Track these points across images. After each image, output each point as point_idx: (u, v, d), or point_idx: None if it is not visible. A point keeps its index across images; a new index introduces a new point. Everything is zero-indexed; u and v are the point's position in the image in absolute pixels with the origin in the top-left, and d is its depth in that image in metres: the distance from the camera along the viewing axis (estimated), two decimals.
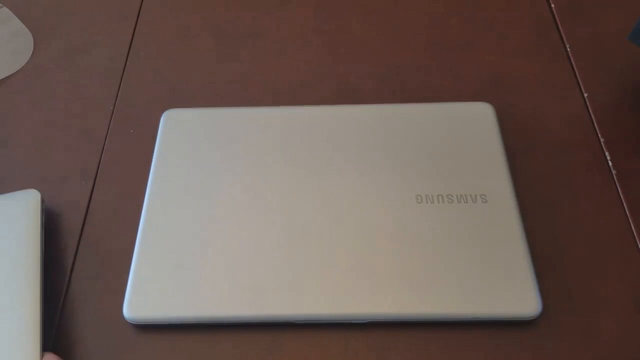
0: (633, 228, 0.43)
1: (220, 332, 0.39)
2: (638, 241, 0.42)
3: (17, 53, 0.55)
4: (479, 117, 0.46)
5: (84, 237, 0.44)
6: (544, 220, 0.43)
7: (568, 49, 0.53)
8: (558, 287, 0.40)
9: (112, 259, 0.43)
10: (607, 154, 0.46)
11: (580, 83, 0.51)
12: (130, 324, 0.39)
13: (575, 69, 0.52)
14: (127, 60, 0.54)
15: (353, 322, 0.39)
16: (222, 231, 0.42)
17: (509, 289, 0.38)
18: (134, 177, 0.46)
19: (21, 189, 0.44)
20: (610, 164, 0.46)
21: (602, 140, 0.47)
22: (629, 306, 0.39)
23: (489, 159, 0.44)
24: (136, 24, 0.57)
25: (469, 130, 0.46)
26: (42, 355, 0.35)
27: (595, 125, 0.48)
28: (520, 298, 0.38)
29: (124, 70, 0.54)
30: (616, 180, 0.45)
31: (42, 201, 0.42)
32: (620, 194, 0.44)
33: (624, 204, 0.44)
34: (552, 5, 0.56)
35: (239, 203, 0.43)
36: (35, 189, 0.43)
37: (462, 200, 0.42)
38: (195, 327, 0.40)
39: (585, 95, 0.50)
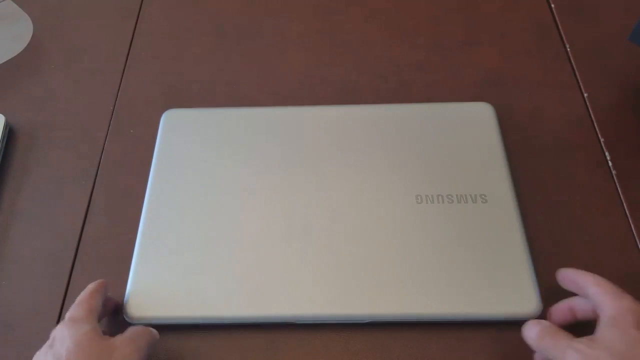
0: (633, 228, 0.43)
1: (220, 332, 0.39)
2: (638, 241, 0.42)
3: (17, 37, 0.55)
4: (478, 117, 0.46)
5: (84, 237, 0.44)
6: (544, 220, 0.43)
7: (568, 49, 0.53)
8: (558, 287, 0.40)
9: (112, 259, 0.43)
10: (607, 154, 0.46)
11: (580, 83, 0.51)
12: (130, 323, 0.39)
13: (575, 69, 0.52)
14: (127, 60, 0.54)
15: (353, 322, 0.39)
16: (223, 231, 0.42)
17: (510, 289, 0.38)
18: (134, 177, 0.46)
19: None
20: (610, 164, 0.46)
21: (602, 140, 0.47)
22: None
23: (489, 159, 0.44)
24: (136, 24, 0.57)
25: (469, 130, 0.46)
26: None
27: (595, 125, 0.48)
28: (520, 298, 0.38)
29: (124, 70, 0.54)
30: (616, 180, 0.45)
31: None
32: (620, 194, 0.44)
33: (624, 204, 0.44)
34: (552, 5, 0.56)
35: (239, 203, 0.43)
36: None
37: (462, 201, 0.42)
38: (195, 328, 0.39)
39: (585, 95, 0.50)
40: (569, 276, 0.37)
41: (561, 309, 0.37)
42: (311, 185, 0.43)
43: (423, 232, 0.41)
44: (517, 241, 0.40)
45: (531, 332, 0.35)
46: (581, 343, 0.32)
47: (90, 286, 0.37)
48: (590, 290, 0.35)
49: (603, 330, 0.32)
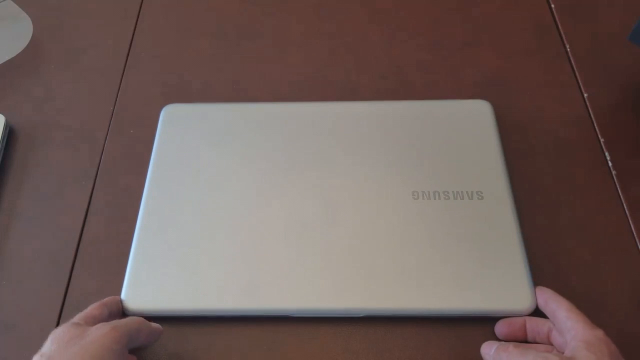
0: (633, 228, 0.43)
1: (218, 324, 0.39)
2: (638, 241, 0.42)
3: (17, 37, 0.55)
4: (476, 115, 0.47)
5: (84, 237, 0.44)
6: (543, 220, 0.43)
7: (568, 49, 0.53)
8: (557, 287, 0.40)
9: (112, 259, 0.43)
10: (607, 154, 0.46)
11: (580, 83, 0.51)
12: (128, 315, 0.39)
13: (575, 69, 0.52)
14: (127, 60, 0.54)
15: (349, 316, 0.39)
16: (221, 224, 0.42)
17: (504, 285, 0.39)
18: (134, 177, 0.46)
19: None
20: (610, 164, 0.46)
21: (602, 140, 0.47)
22: (629, 306, 0.39)
23: (486, 156, 0.44)
24: (136, 24, 0.57)
25: (466, 127, 0.46)
26: None
27: (595, 126, 0.48)
28: (514, 294, 0.38)
29: (124, 70, 0.54)
30: (616, 180, 0.45)
31: None
32: (620, 194, 0.44)
33: (624, 204, 0.44)
34: (552, 5, 0.56)
35: (237, 197, 0.43)
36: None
37: (458, 197, 0.42)
38: (192, 320, 0.40)
39: (585, 95, 0.50)
40: (544, 294, 0.37)
41: (516, 323, 0.37)
42: (309, 181, 0.43)
43: (419, 228, 0.41)
44: (513, 238, 0.40)
45: (490, 349, 0.35)
46: (556, 356, 0.31)
47: (104, 300, 0.38)
48: (562, 314, 0.35)
49: (578, 352, 0.31)
